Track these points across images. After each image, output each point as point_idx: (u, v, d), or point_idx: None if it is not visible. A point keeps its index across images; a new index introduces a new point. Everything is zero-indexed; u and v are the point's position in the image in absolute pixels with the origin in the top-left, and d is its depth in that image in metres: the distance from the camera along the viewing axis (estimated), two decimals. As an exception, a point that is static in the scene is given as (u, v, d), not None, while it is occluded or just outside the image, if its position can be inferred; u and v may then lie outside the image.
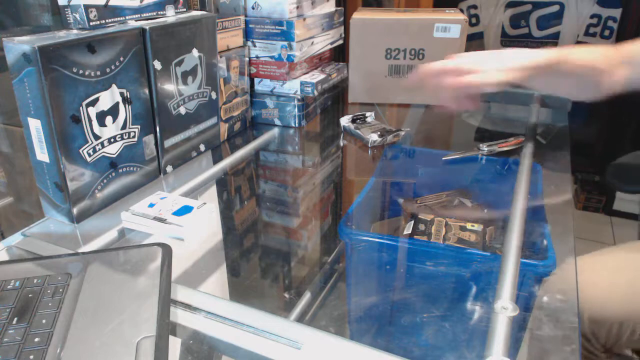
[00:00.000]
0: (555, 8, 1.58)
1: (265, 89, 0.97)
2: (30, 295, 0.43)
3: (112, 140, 0.63)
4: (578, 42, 1.56)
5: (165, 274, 0.46)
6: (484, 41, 1.69)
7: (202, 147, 0.83)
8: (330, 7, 1.06)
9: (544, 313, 0.48)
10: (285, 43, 0.91)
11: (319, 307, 0.53)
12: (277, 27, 0.90)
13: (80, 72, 0.57)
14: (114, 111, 0.63)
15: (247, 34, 0.93)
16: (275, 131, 0.97)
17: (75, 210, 0.60)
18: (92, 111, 0.59)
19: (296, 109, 0.96)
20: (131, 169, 0.68)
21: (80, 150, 0.59)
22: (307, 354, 0.40)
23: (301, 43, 0.93)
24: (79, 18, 0.60)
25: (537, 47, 1.64)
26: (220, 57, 0.84)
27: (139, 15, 0.68)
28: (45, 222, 0.62)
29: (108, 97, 0.61)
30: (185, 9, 0.77)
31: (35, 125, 0.56)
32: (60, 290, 0.44)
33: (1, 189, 0.89)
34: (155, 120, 0.70)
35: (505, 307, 0.43)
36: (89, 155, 0.60)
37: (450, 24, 0.97)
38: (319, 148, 0.93)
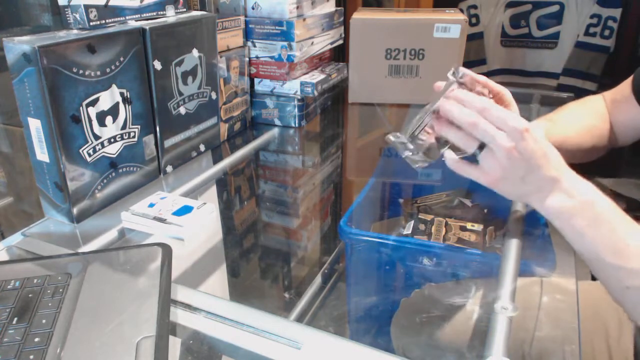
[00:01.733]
0: (555, 8, 1.58)
1: (265, 89, 0.97)
2: (30, 295, 0.43)
3: (112, 140, 0.63)
4: (578, 42, 1.56)
5: (165, 274, 0.46)
6: (484, 41, 1.69)
7: (202, 147, 0.83)
8: (330, 7, 1.06)
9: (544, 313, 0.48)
10: (285, 43, 0.91)
11: (319, 307, 0.53)
12: (277, 27, 0.90)
13: (80, 72, 0.57)
14: (114, 111, 0.63)
15: (247, 34, 0.93)
16: (275, 131, 0.97)
17: (75, 210, 0.60)
18: (92, 111, 0.59)
19: (296, 109, 0.96)
20: (131, 169, 0.68)
21: (80, 150, 0.59)
22: (307, 354, 0.40)
23: (301, 43, 0.93)
24: (79, 18, 0.60)
25: (537, 47, 1.65)
26: (220, 57, 0.84)
27: (139, 15, 0.68)
28: (45, 222, 0.62)
29: (108, 97, 0.61)
30: (185, 9, 0.77)
31: (35, 125, 0.56)
32: (60, 290, 0.44)
33: (1, 189, 0.89)
34: (155, 120, 0.70)
35: (505, 307, 0.43)
36: (89, 155, 0.60)
37: (450, 24, 0.97)
38: (319, 148, 0.93)
